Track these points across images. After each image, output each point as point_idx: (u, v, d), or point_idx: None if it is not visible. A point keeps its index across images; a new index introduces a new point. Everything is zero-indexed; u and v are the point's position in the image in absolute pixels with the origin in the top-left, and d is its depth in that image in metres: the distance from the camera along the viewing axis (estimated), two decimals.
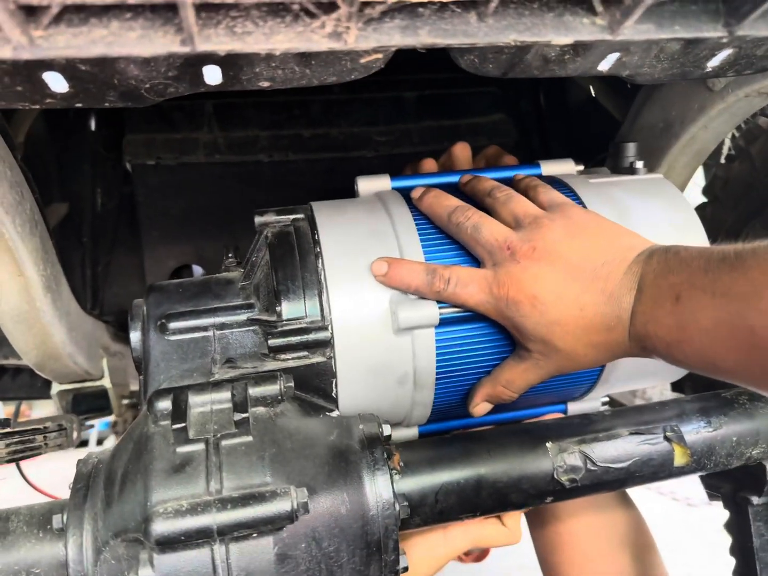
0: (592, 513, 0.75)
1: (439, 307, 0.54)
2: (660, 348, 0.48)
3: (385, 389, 0.57)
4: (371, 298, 0.54)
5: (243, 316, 0.57)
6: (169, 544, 0.41)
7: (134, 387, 1.24)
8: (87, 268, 1.02)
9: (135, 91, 0.44)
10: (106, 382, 1.03)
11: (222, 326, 0.56)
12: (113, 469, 0.48)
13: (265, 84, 0.46)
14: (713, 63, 0.52)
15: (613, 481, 0.58)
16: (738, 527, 0.64)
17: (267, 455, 0.46)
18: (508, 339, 0.57)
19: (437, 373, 0.56)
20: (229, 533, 0.42)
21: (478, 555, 1.53)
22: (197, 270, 1.08)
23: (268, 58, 0.42)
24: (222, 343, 0.56)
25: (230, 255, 0.64)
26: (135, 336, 0.58)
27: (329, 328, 0.53)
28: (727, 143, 0.98)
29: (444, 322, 0.54)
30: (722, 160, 0.91)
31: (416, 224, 0.57)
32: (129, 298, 1.11)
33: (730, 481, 0.65)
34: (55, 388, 1.00)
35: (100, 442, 3.64)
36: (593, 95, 1.03)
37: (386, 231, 0.57)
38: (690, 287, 0.45)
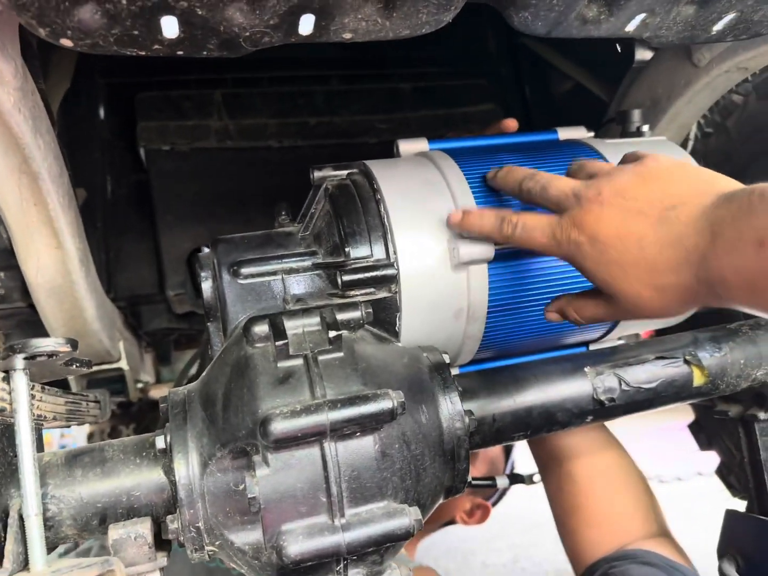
0: (608, 471, 0.81)
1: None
2: (739, 296, 0.45)
3: (441, 323, 0.62)
4: (432, 237, 0.60)
5: (308, 262, 0.61)
6: (287, 442, 0.45)
7: (143, 374, 1.24)
8: (102, 253, 1.04)
9: (234, 39, 0.49)
10: (123, 364, 1.04)
11: (290, 271, 0.61)
12: (210, 392, 0.52)
13: (348, 36, 0.51)
14: (718, 27, 0.61)
15: (644, 401, 0.65)
16: (748, 445, 0.72)
17: (359, 368, 0.51)
18: (557, 276, 0.63)
19: (489, 307, 0.62)
20: (339, 430, 0.46)
21: (481, 516, 1.58)
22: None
23: (357, 7, 0.48)
24: (291, 286, 0.60)
25: (283, 213, 0.68)
26: (207, 283, 0.61)
27: (395, 265, 0.59)
28: (694, 130, 1.09)
29: (497, 257, 0.60)
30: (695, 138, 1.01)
31: (464, 174, 0.63)
32: (139, 284, 1.13)
33: (739, 403, 0.73)
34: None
35: None
36: (578, 83, 1.12)
37: (438, 181, 0.62)
38: None
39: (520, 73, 1.26)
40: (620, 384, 0.63)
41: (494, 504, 1.66)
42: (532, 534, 1.67)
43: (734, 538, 0.72)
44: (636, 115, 0.75)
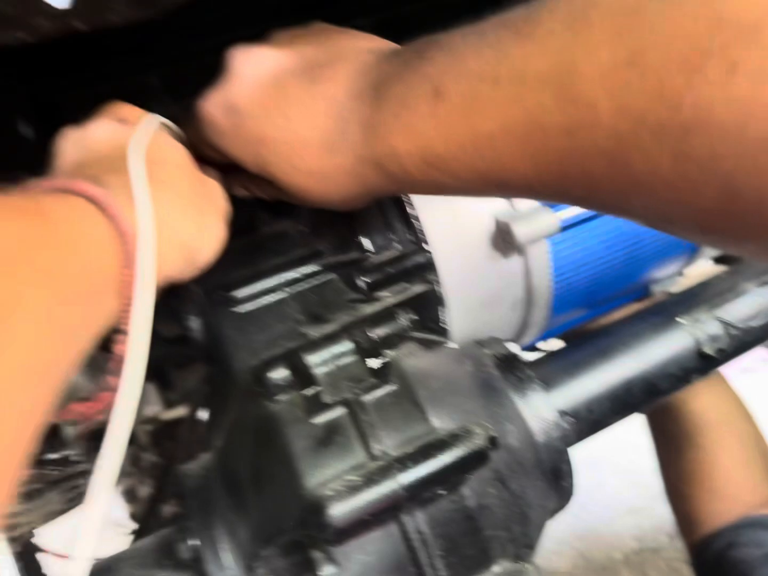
0: (734, 433, 0.70)
1: (556, 211, 0.46)
2: (414, 171, 0.33)
3: (497, 317, 0.50)
4: (468, 208, 0.47)
5: (314, 266, 0.48)
6: (352, 529, 0.33)
7: (149, 412, 1.12)
8: None
9: None
10: None
11: (293, 282, 0.47)
12: (233, 471, 0.39)
13: None
14: None
15: (753, 341, 0.53)
16: None
17: (420, 399, 0.38)
18: (630, 233, 0.51)
19: (554, 288, 0.50)
20: (418, 496, 0.34)
21: None
22: None
23: None
24: (299, 301, 0.47)
25: (264, 208, 0.54)
26: (195, 321, 0.48)
27: (426, 248, 0.46)
28: None
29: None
30: None
31: None
32: None
33: None
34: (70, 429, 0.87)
35: None
36: None
37: None
38: (456, 75, 0.29)
39: None
40: (725, 328, 0.51)
41: None
42: (592, 472, 1.58)
43: None
44: None
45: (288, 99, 0.37)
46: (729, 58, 0.20)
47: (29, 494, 0.59)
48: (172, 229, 0.32)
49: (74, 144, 0.37)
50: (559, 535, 1.49)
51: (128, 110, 0.39)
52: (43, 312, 0.21)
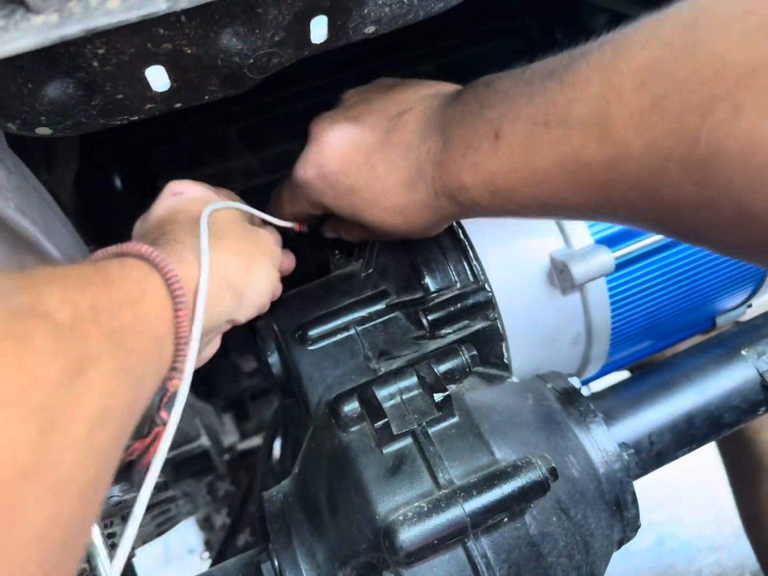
0: None
1: (612, 250, 0.48)
2: (482, 200, 0.38)
3: (556, 351, 0.51)
4: (526, 248, 0.49)
5: (380, 305, 0.52)
6: (422, 552, 0.36)
7: (227, 441, 1.18)
8: None
9: (238, 71, 0.39)
10: (204, 441, 0.97)
11: (362, 321, 0.51)
12: (311, 496, 0.43)
13: (371, 29, 0.41)
14: None
15: None
16: None
17: (482, 431, 0.40)
18: (688, 268, 0.52)
19: (613, 323, 0.51)
20: (481, 523, 0.36)
21: None
22: None
23: None
24: (368, 338, 0.50)
25: (336, 252, 0.59)
26: (273, 357, 0.52)
27: (487, 286, 0.48)
28: None
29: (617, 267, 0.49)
30: None
31: None
32: None
33: None
34: None
35: None
36: (614, 13, 0.99)
37: None
38: (513, 120, 0.34)
39: (547, 18, 1.12)
40: None
41: None
42: (669, 507, 1.53)
43: None
44: None
45: (369, 152, 0.43)
46: (733, 101, 0.24)
47: (125, 518, 0.64)
48: (221, 272, 0.37)
49: (141, 222, 0.44)
50: (637, 572, 1.44)
51: (179, 185, 0.45)
52: (114, 365, 0.24)
